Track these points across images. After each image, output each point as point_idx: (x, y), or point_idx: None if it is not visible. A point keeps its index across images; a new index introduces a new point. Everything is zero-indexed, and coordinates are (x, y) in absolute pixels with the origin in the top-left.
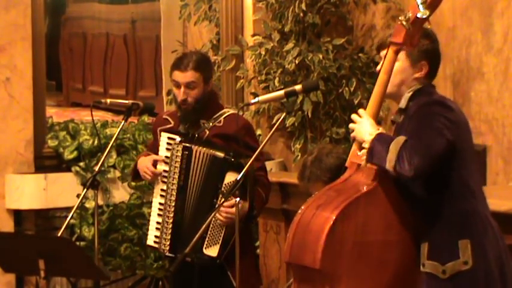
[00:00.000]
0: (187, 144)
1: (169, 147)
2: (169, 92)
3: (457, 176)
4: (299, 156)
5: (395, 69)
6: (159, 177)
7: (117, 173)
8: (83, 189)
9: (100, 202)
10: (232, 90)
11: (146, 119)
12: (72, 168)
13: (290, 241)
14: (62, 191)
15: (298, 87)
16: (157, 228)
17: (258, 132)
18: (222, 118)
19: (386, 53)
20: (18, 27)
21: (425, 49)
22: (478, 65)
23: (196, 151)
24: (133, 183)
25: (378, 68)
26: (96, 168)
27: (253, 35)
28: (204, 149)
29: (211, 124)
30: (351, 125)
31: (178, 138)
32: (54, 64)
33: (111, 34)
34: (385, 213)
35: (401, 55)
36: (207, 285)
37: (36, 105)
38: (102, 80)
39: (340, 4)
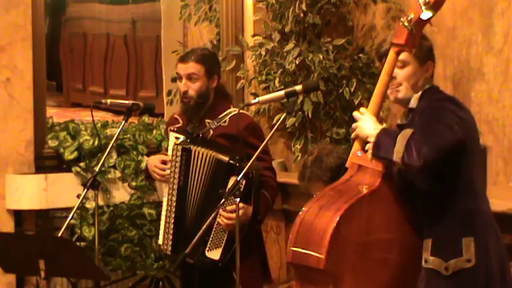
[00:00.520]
0: (185, 146)
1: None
2: (169, 92)
3: (463, 174)
4: (299, 157)
5: (408, 74)
6: (167, 177)
7: (118, 174)
8: (83, 189)
9: (100, 202)
10: (232, 90)
11: (146, 119)
12: (73, 169)
13: (292, 241)
14: (62, 191)
15: (298, 87)
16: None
17: None
18: (227, 118)
19: (385, 51)
20: (18, 27)
21: (428, 49)
22: (478, 65)
23: (195, 152)
24: (134, 184)
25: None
26: (97, 169)
27: (254, 36)
28: (205, 150)
29: (216, 124)
30: (353, 125)
31: (181, 138)
32: (54, 64)
33: (112, 34)
34: (387, 213)
35: (409, 58)
36: (211, 285)
37: (37, 106)
38: (103, 80)
39: (340, 4)
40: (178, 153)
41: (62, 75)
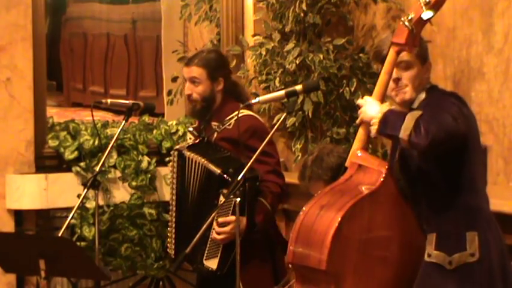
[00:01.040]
0: (180, 151)
1: None
2: (169, 92)
3: (465, 171)
4: (299, 156)
5: (413, 75)
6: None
7: (118, 173)
8: (84, 189)
9: (100, 202)
10: None
11: (147, 119)
12: (73, 169)
13: (293, 242)
14: (62, 191)
15: (298, 87)
16: None
17: None
18: (232, 120)
19: (387, 54)
20: (18, 27)
21: (426, 48)
22: (479, 65)
23: (189, 158)
24: (134, 183)
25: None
26: (97, 169)
27: (254, 35)
28: (198, 157)
29: (221, 127)
30: (359, 111)
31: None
32: (54, 64)
33: (112, 34)
34: (388, 212)
35: (413, 59)
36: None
37: (37, 106)
38: (103, 80)
39: (340, 4)
40: (175, 159)
41: (62, 75)
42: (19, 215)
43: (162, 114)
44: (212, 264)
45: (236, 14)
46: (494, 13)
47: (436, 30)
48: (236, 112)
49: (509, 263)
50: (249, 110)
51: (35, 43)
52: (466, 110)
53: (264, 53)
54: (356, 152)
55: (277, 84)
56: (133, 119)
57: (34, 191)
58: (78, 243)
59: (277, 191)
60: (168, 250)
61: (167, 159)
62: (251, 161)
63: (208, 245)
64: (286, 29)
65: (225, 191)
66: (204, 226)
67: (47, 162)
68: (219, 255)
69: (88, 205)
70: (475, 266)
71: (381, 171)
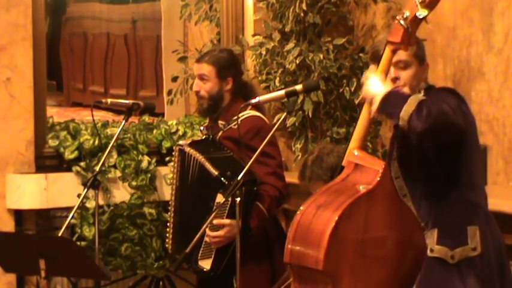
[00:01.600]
0: (181, 147)
1: None
2: (169, 92)
3: (464, 167)
4: (300, 156)
5: (411, 75)
6: None
7: (118, 173)
8: (84, 189)
9: (101, 202)
10: None
11: (147, 119)
12: (73, 168)
13: (290, 241)
14: (62, 190)
15: (298, 87)
16: None
17: None
18: (239, 120)
19: (383, 53)
20: (18, 27)
21: (423, 48)
22: (479, 65)
23: (188, 154)
24: (134, 183)
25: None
26: (97, 168)
27: (254, 35)
28: (196, 153)
29: (227, 126)
30: (362, 89)
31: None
32: (54, 64)
33: (112, 34)
34: (385, 211)
35: (411, 59)
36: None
37: (37, 105)
38: (103, 79)
39: (340, 4)
40: (176, 154)
41: (63, 74)
42: (19, 215)
43: (162, 114)
44: (206, 264)
45: (236, 14)
46: (494, 13)
47: (436, 30)
48: (245, 112)
49: (507, 260)
50: (256, 111)
51: (35, 43)
52: (464, 107)
53: (264, 52)
54: (353, 151)
55: (277, 84)
56: (134, 119)
57: (34, 191)
58: (78, 243)
59: (275, 195)
60: (166, 245)
61: (167, 159)
62: (250, 162)
63: (202, 246)
64: (286, 29)
65: (219, 195)
66: (204, 226)
67: (47, 162)
68: (212, 256)
69: (88, 205)
70: (476, 260)
71: (378, 170)
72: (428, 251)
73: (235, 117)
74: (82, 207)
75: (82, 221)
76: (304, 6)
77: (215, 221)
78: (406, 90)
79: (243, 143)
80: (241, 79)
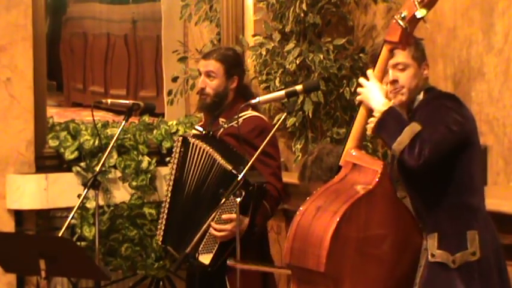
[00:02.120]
0: (186, 137)
1: None
2: (170, 92)
3: (464, 170)
4: (300, 157)
5: (409, 76)
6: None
7: (118, 173)
8: (84, 189)
9: (101, 202)
10: None
11: (147, 119)
12: (73, 169)
13: (290, 243)
14: (62, 191)
15: (299, 87)
16: None
17: None
18: (241, 119)
19: (380, 52)
20: (19, 27)
21: (423, 49)
22: (479, 65)
23: (193, 145)
24: (134, 183)
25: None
26: (97, 169)
27: (254, 35)
28: (204, 145)
29: (228, 124)
30: (358, 89)
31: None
32: (55, 64)
33: (112, 34)
34: (384, 211)
35: (409, 60)
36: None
37: (37, 106)
38: (103, 80)
39: (341, 4)
40: (179, 144)
41: (63, 75)
42: (19, 215)
43: (162, 114)
44: (205, 259)
45: (236, 14)
46: (495, 13)
47: (436, 30)
48: (247, 112)
49: (504, 262)
50: (256, 112)
51: (35, 43)
52: (464, 111)
53: (264, 53)
54: (350, 151)
55: (277, 84)
56: (134, 119)
57: (34, 191)
58: (78, 243)
59: (275, 195)
60: (157, 236)
61: (167, 159)
62: (251, 160)
63: (205, 240)
64: (286, 29)
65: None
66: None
67: (47, 162)
68: (214, 251)
69: (88, 205)
70: (476, 265)
71: (377, 170)
72: (429, 256)
73: (237, 116)
74: (82, 207)
75: (82, 221)
76: (304, 6)
77: (224, 216)
78: (404, 92)
79: (247, 140)
80: (244, 80)
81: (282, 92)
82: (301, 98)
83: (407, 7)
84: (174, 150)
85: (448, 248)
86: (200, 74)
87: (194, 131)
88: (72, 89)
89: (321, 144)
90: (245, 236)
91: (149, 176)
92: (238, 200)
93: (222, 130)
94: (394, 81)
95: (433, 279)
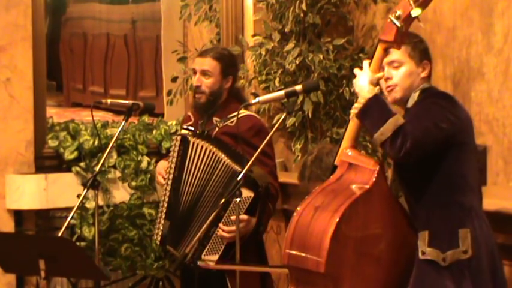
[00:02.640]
0: (185, 136)
1: None
2: (169, 92)
3: (455, 168)
4: (299, 157)
5: (403, 74)
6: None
7: (118, 173)
8: (84, 189)
9: (100, 202)
10: None
11: (146, 119)
12: (73, 169)
13: (289, 244)
14: (62, 191)
15: (298, 87)
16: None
17: None
18: (235, 119)
19: (375, 51)
20: (18, 27)
21: (424, 48)
22: (479, 65)
23: (193, 144)
24: (134, 183)
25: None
26: (97, 169)
27: (254, 35)
28: (206, 144)
29: (223, 123)
30: (353, 81)
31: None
32: (54, 64)
33: (112, 34)
34: (381, 210)
35: (404, 58)
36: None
37: (37, 106)
38: (103, 80)
39: (340, 4)
40: (177, 143)
41: (62, 75)
42: (19, 215)
43: (162, 114)
44: (211, 259)
45: (236, 14)
46: (494, 13)
47: (435, 30)
48: (241, 111)
49: (499, 261)
50: (250, 111)
51: (35, 43)
52: (458, 111)
53: (263, 53)
54: (346, 151)
55: (277, 84)
56: (133, 119)
57: (34, 191)
58: (78, 243)
59: (275, 194)
60: (154, 236)
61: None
62: (252, 159)
63: (211, 242)
64: (286, 29)
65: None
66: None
67: (47, 162)
68: (220, 252)
69: (88, 205)
70: (467, 263)
71: (373, 170)
72: (420, 254)
73: (233, 115)
74: (82, 207)
75: (82, 221)
76: (304, 6)
77: (233, 217)
78: (397, 90)
79: (245, 139)
80: (237, 81)
81: (282, 92)
82: (300, 98)
83: (402, 6)
84: (172, 149)
85: (439, 246)
86: (195, 72)
87: (184, 131)
88: (71, 89)
89: (320, 144)
90: (251, 236)
91: (149, 176)
92: (238, 200)
93: (217, 129)
94: (388, 79)
95: (422, 278)
